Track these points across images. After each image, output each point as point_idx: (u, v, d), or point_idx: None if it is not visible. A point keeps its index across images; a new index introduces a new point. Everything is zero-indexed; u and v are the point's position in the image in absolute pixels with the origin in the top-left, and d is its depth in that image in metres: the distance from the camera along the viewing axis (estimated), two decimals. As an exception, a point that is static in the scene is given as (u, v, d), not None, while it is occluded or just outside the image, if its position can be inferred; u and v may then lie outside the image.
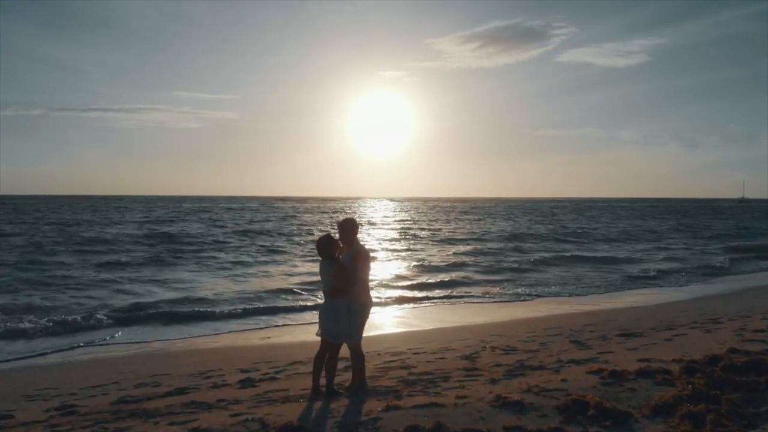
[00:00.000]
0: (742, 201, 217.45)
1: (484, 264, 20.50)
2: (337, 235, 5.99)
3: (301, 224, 44.81)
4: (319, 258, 5.88)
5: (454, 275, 17.74)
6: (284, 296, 14.17)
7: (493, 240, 30.54)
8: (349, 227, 5.95)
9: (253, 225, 43.26)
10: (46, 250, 21.46)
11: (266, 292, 14.28)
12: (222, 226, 41.21)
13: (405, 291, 15.20)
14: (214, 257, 20.87)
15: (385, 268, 20.44)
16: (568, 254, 23.53)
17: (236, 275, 17.11)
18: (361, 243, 6.05)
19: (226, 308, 12.46)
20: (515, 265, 20.13)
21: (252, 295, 13.85)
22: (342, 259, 5.86)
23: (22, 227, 38.14)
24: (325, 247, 5.76)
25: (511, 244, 27.44)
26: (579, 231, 36.07)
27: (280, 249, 23.53)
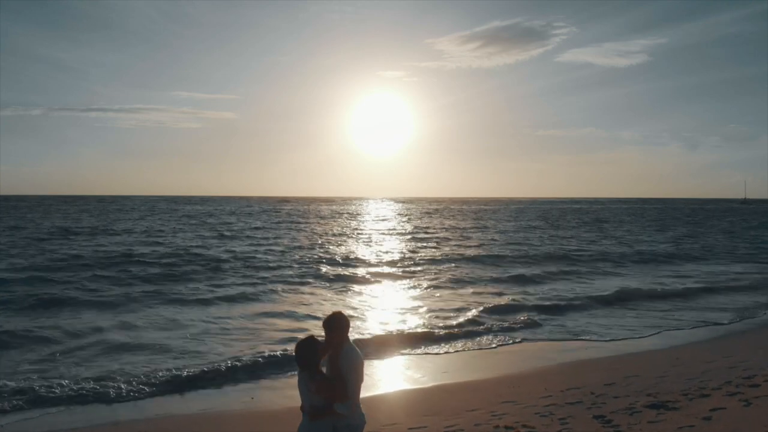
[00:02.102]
0: (744, 202, 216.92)
1: (508, 295, 18.46)
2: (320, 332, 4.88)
3: (307, 235, 43.59)
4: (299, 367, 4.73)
5: (467, 313, 15.77)
6: (281, 340, 12.96)
7: (520, 260, 27.46)
8: (339, 326, 4.83)
9: (251, 235, 41.98)
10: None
11: (261, 340, 12.95)
12: (217, 236, 40.05)
13: (408, 334, 13.81)
14: (200, 290, 18.53)
15: (391, 298, 18.68)
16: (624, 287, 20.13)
17: (224, 317, 15.61)
18: (353, 343, 4.92)
19: (209, 366, 11.07)
20: (541, 301, 17.63)
21: (240, 347, 12.50)
22: (327, 364, 4.75)
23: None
24: (306, 355, 4.63)
25: (536, 270, 24.26)
26: (614, 251, 32.26)
27: (281, 277, 21.52)
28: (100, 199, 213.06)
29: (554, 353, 12.56)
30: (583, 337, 13.97)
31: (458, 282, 21.14)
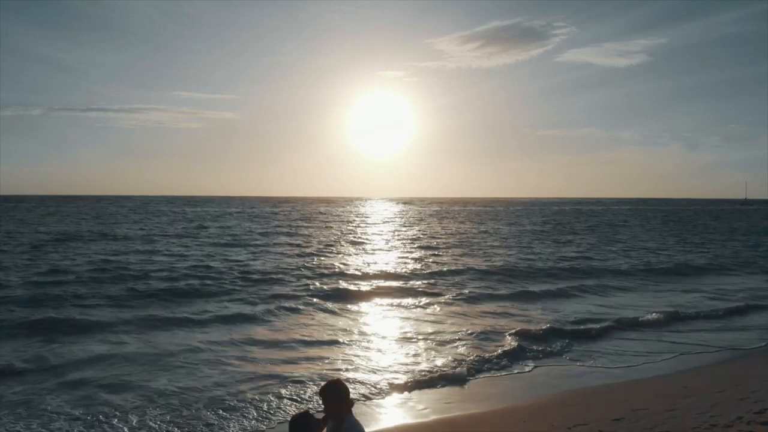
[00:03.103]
0: (745, 203, 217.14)
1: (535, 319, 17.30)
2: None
3: (308, 242, 43.24)
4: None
5: (476, 337, 14.96)
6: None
7: (530, 273, 25.87)
8: (338, 395, 4.52)
9: (250, 242, 41.62)
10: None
11: (255, 374, 12.12)
12: (216, 244, 39.68)
13: (413, 363, 13.27)
14: (195, 310, 17.46)
15: (397, 320, 17.39)
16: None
17: (217, 342, 14.48)
18: (354, 415, 4.60)
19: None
20: (556, 323, 16.63)
21: (235, 379, 11.95)
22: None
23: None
24: (300, 432, 4.32)
25: (548, 285, 23.09)
26: (627, 263, 30.46)
27: (281, 295, 19.85)
28: (99, 199, 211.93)
29: (560, 380, 12.21)
30: (592, 363, 13.53)
31: (467, 300, 20.37)
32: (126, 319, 16.19)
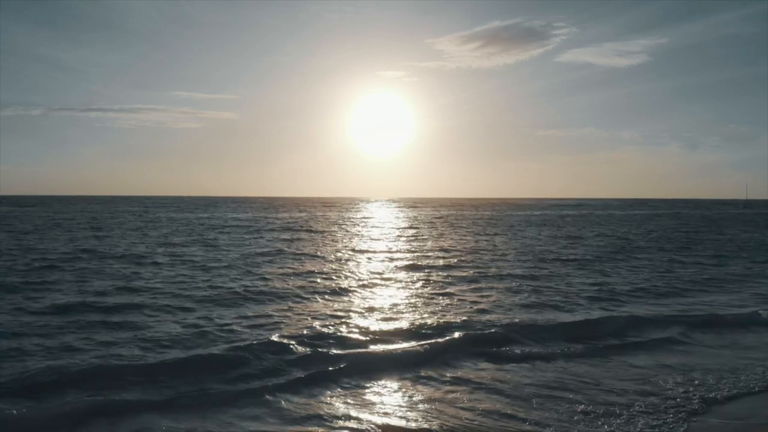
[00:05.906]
0: (746, 205, 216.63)
1: None
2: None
3: (313, 271, 39.39)
4: None
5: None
6: None
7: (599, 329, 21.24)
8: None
9: (251, 271, 37.82)
10: None
11: None
12: (205, 270, 35.81)
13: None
14: (186, 385, 15.15)
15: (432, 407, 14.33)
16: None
17: None
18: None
19: None
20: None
21: None
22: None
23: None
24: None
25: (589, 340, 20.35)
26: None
27: (280, 371, 17.16)
28: (96, 200, 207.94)
29: None
30: None
31: (517, 364, 16.53)
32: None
